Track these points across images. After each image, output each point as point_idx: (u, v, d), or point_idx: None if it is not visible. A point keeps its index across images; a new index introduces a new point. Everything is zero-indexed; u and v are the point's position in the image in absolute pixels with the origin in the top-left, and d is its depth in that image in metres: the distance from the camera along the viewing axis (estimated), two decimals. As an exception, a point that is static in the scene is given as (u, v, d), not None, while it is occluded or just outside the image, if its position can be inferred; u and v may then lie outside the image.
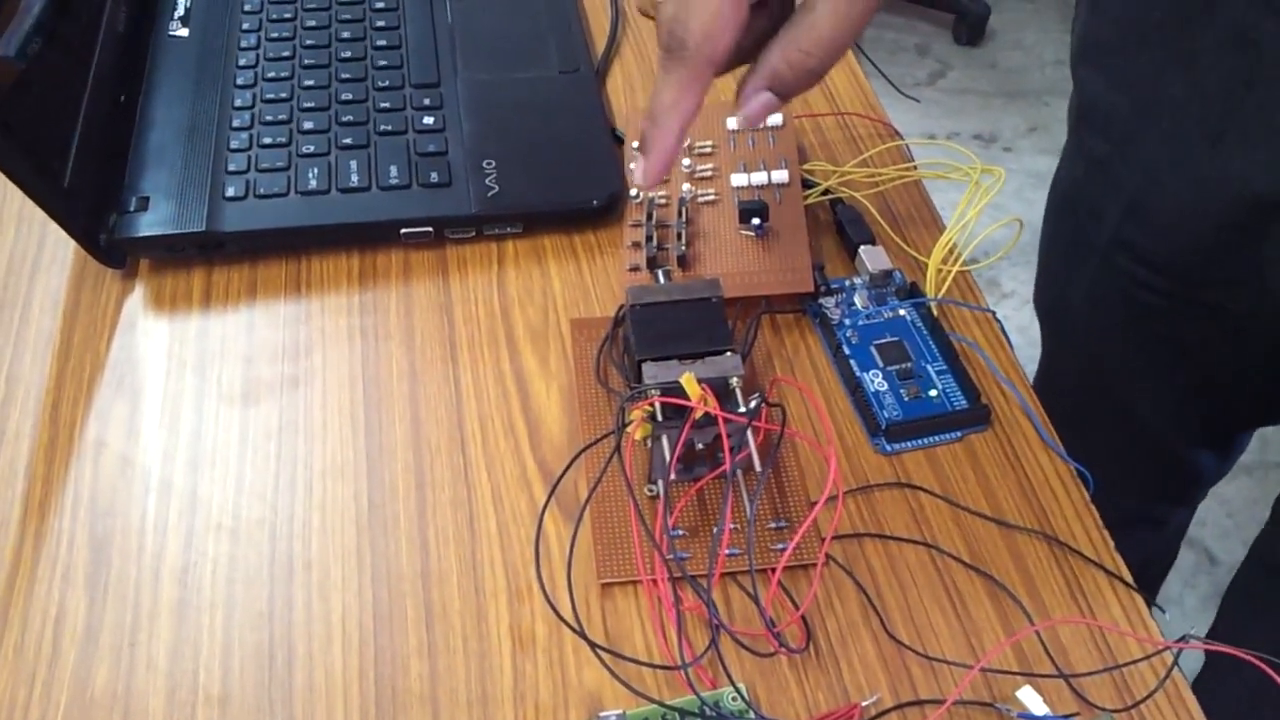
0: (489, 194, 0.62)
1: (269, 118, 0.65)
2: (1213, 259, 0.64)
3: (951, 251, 0.60)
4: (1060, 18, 2.30)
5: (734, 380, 0.50)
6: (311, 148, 0.64)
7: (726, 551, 0.49)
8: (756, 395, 0.49)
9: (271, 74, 0.68)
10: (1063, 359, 0.85)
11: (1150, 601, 0.49)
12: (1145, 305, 0.70)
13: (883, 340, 0.57)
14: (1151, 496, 0.91)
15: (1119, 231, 0.69)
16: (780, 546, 0.49)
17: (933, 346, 0.57)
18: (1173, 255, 0.66)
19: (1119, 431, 0.82)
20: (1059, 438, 0.54)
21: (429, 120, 0.66)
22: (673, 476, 0.49)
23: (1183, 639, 0.46)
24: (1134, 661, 0.46)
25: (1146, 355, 0.74)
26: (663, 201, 0.62)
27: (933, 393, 0.55)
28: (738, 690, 0.44)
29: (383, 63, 0.69)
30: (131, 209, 0.60)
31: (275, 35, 0.71)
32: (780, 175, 0.63)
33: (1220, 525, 1.58)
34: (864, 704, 0.45)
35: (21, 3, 0.59)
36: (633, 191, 0.63)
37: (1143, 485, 0.88)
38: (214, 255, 0.61)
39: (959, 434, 0.54)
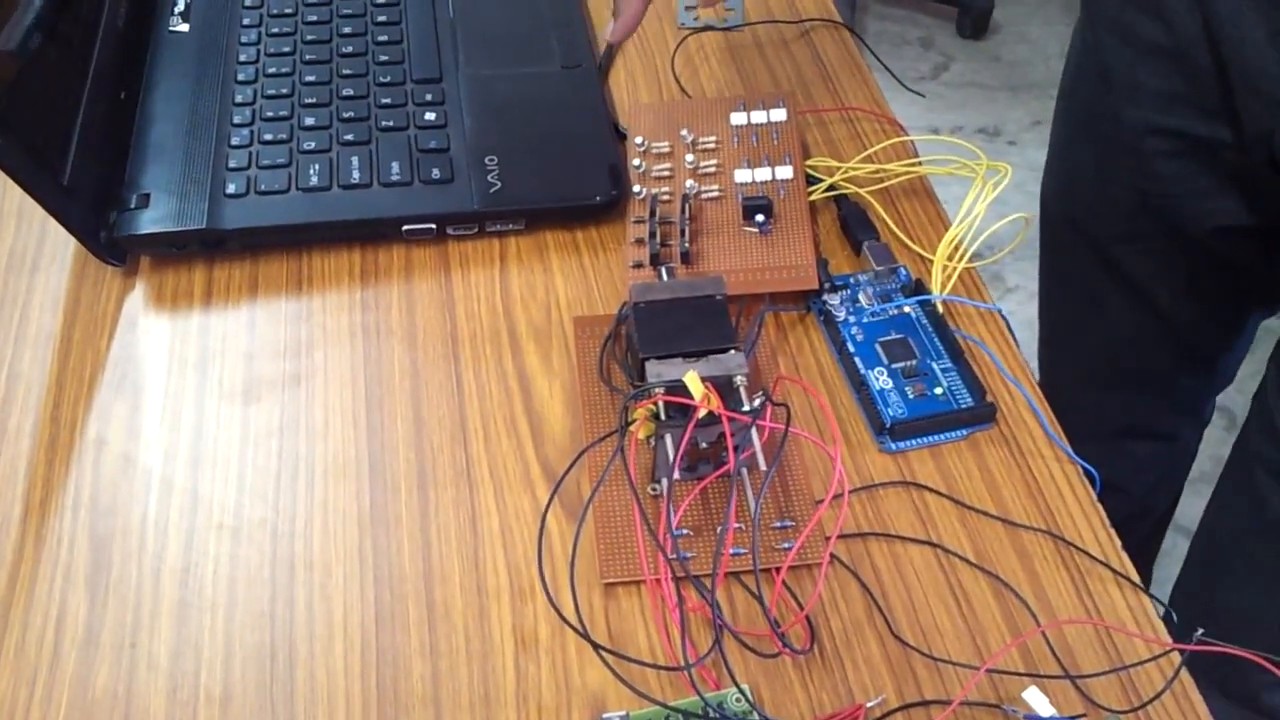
0: (491, 190, 0.62)
1: (270, 114, 0.65)
2: (1218, 92, 0.67)
3: (957, 248, 0.59)
4: (1064, 11, 2.29)
5: (738, 378, 0.49)
6: (313, 144, 0.63)
7: (730, 551, 0.48)
8: (761, 394, 0.49)
9: (272, 70, 0.68)
10: (1067, 249, 0.87)
11: (1149, 591, 0.49)
12: (1149, 157, 0.73)
13: (888, 338, 0.57)
14: (1161, 399, 0.92)
15: (1131, 81, 0.72)
16: (785, 546, 0.49)
17: (938, 344, 0.56)
18: (1181, 92, 0.69)
19: (1125, 313, 0.84)
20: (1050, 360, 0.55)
21: (431, 116, 0.65)
22: (676, 476, 0.49)
23: (1191, 639, 0.45)
24: (1141, 662, 0.46)
25: (1148, 218, 0.77)
26: (666, 198, 0.62)
27: (938, 390, 0.55)
28: (741, 691, 0.43)
29: (384, 58, 0.69)
30: (132, 206, 0.60)
31: (276, 30, 0.70)
32: (784, 171, 0.62)
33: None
34: (869, 705, 0.45)
35: (22, -2, 0.59)
36: (635, 188, 0.62)
37: (1152, 381, 0.90)
38: (215, 252, 0.61)
39: (964, 432, 0.54)
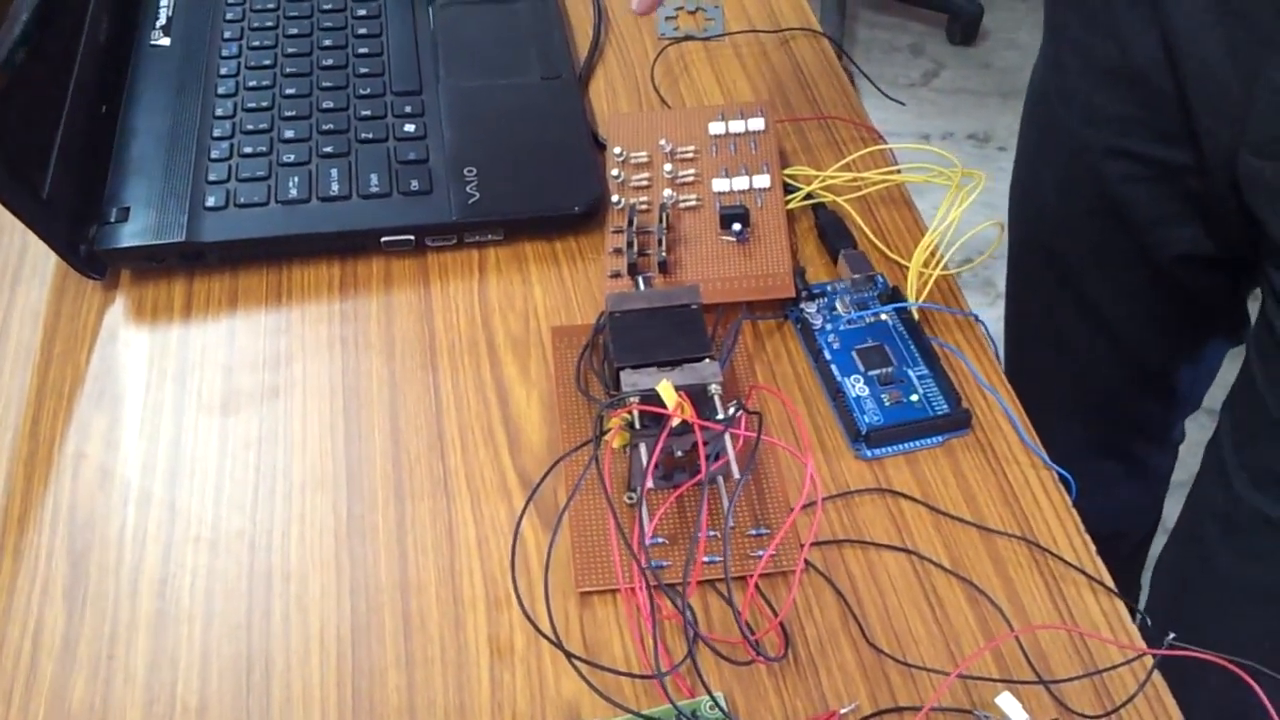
0: (469, 201, 0.62)
1: (250, 126, 0.65)
2: (1178, 116, 0.67)
3: (933, 255, 0.60)
4: (1054, 16, 2.29)
5: (713, 387, 0.50)
6: (292, 156, 0.64)
7: (706, 559, 0.49)
8: (735, 402, 0.49)
9: (253, 82, 0.68)
10: (1030, 268, 0.87)
11: (1122, 596, 0.49)
12: (1110, 181, 0.73)
13: (864, 345, 0.57)
14: (1124, 423, 0.92)
15: (1090, 102, 0.72)
16: (760, 554, 0.49)
17: (914, 351, 0.57)
18: (1140, 115, 0.69)
19: (1087, 337, 0.84)
20: (1017, 394, 0.55)
21: (410, 128, 0.66)
22: (650, 484, 0.49)
23: (1163, 644, 0.45)
24: (1114, 667, 0.46)
25: (1111, 242, 0.77)
26: (644, 207, 0.62)
27: (914, 397, 0.55)
28: (714, 699, 0.44)
29: (364, 70, 0.69)
30: (112, 219, 0.60)
31: (257, 44, 0.71)
32: (762, 180, 0.62)
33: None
34: (842, 711, 0.45)
35: (10, 11, 0.59)
36: (614, 197, 0.63)
37: (1115, 405, 0.89)
38: (195, 265, 0.61)
39: (940, 439, 0.54)
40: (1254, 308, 0.81)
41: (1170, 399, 0.89)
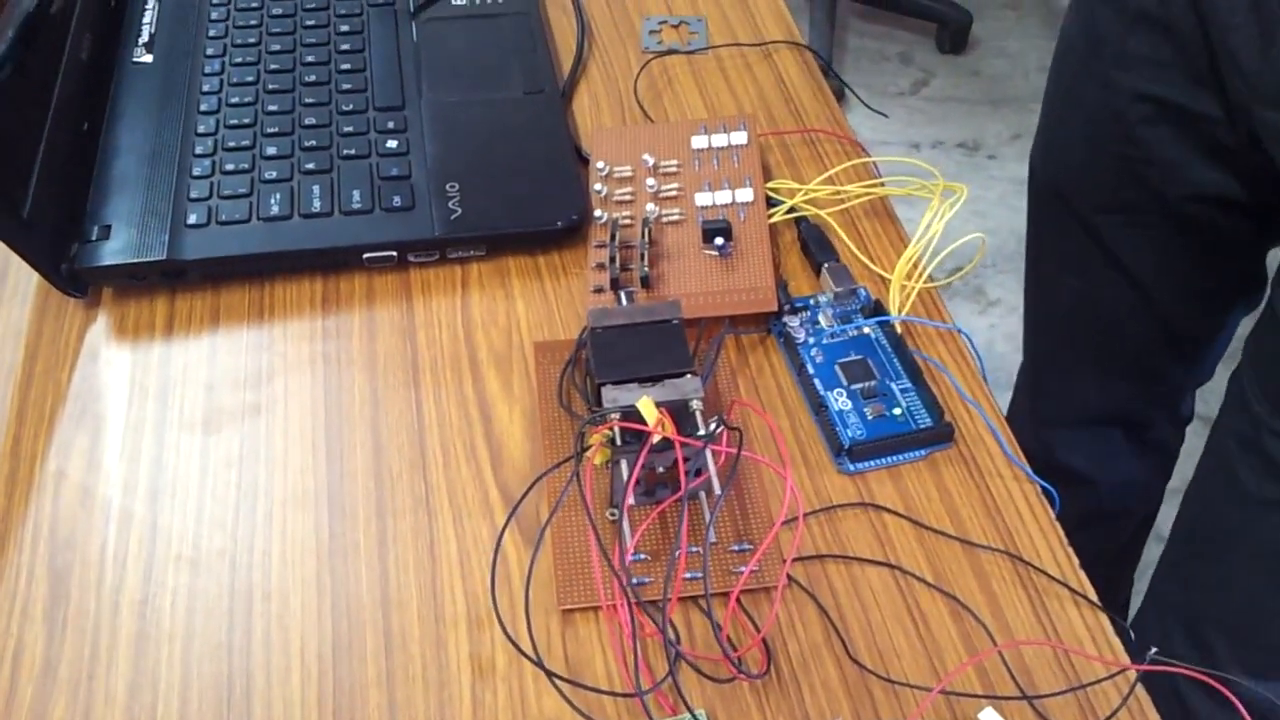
0: (452, 217, 0.62)
1: (231, 143, 0.65)
2: (1206, 61, 0.68)
3: (915, 267, 0.60)
4: (1043, 24, 2.30)
5: (694, 403, 0.49)
6: (274, 173, 0.63)
7: (687, 575, 0.48)
8: (715, 418, 0.49)
9: (235, 99, 0.68)
10: (1053, 216, 0.88)
11: (1121, 626, 0.49)
12: (1135, 124, 0.75)
13: (847, 359, 0.57)
14: (1139, 384, 0.93)
15: (1121, 48, 0.74)
16: (742, 569, 0.49)
17: (897, 364, 0.57)
18: (1172, 59, 0.71)
19: (1105, 284, 0.85)
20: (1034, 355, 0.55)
21: (392, 144, 0.66)
22: (630, 501, 0.49)
23: (1146, 659, 0.45)
24: (1097, 681, 0.46)
25: (1136, 188, 0.78)
26: (627, 222, 0.62)
27: (896, 411, 0.55)
28: (695, 717, 0.43)
29: (347, 86, 0.69)
30: (93, 238, 0.60)
31: (239, 60, 0.70)
32: (744, 194, 0.62)
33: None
34: (825, 728, 0.45)
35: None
36: (597, 212, 0.63)
37: (1131, 361, 0.91)
38: (176, 283, 0.61)
39: (923, 452, 0.54)
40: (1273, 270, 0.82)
41: (1185, 358, 0.91)
